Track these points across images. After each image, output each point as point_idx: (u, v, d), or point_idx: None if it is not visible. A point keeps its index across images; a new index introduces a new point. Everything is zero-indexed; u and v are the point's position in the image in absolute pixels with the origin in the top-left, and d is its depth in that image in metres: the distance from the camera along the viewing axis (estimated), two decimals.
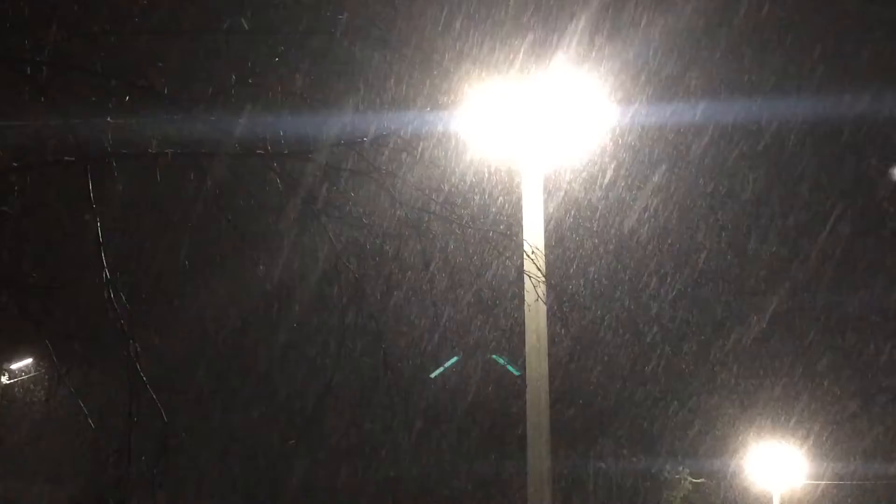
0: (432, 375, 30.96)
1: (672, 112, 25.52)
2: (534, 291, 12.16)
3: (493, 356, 29.03)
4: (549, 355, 13.53)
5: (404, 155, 9.13)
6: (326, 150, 8.84)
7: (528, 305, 12.99)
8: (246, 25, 9.01)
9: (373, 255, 9.21)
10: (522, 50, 13.25)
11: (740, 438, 37.54)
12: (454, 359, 30.23)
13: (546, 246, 13.42)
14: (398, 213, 9.06)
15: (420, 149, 9.43)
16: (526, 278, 12.01)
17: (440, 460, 33.70)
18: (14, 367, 31.53)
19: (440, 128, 10.15)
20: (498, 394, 31.16)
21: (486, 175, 12.98)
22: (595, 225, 26.58)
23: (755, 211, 33.02)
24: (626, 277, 30.74)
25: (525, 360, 13.50)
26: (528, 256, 11.56)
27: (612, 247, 28.65)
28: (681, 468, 37.36)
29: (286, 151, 8.60)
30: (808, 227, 33.78)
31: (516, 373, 13.30)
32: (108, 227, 8.28)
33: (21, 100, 8.41)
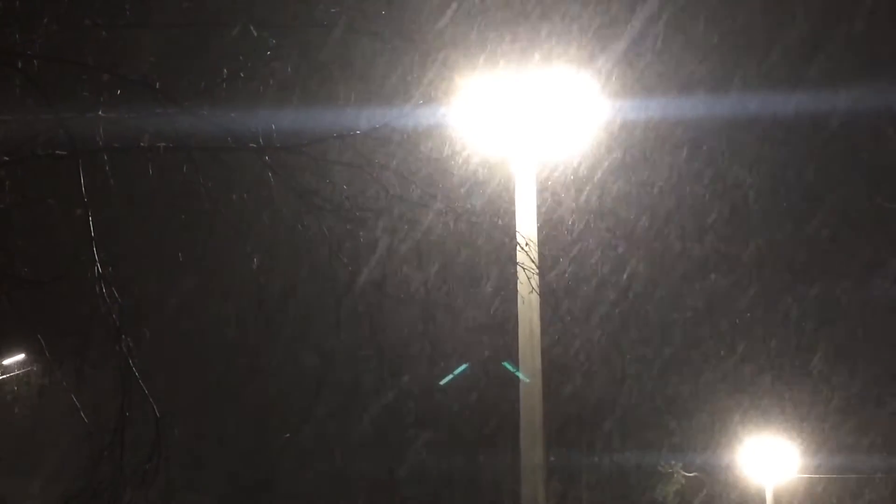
0: (442, 383, 30.94)
1: (667, 106, 25.52)
2: (528, 283, 12.16)
3: (504, 363, 29.04)
4: (543, 348, 13.53)
5: (398, 148, 9.12)
6: (320, 143, 8.82)
7: (522, 298, 12.99)
8: (239, 19, 8.99)
9: (367, 248, 9.19)
10: (517, 43, 13.23)
11: (733, 432, 37.57)
12: (463, 366, 30.22)
13: (539, 238, 13.42)
14: (392, 206, 9.04)
15: (414, 142, 9.42)
16: (520, 270, 12.00)
17: (433, 454, 33.70)
18: (6, 362, 31.44)
19: (434, 121, 10.14)
20: (491, 387, 31.17)
21: (480, 168, 12.96)
22: (590, 218, 26.57)
23: (752, 204, 33.05)
24: (621, 270, 30.76)
25: (518, 353, 13.50)
26: (522, 248, 11.55)
27: (607, 239, 28.66)
28: (674, 462, 37.39)
29: (279, 145, 8.58)
30: (806, 221, 33.83)
31: (526, 380, 13.25)
32: (101, 221, 8.25)
33: (12, 93, 8.38)
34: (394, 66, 9.95)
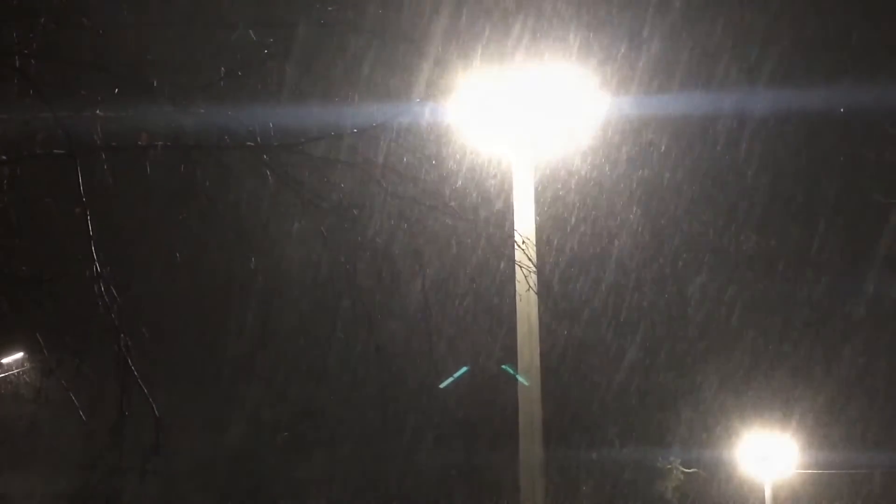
0: (442, 386, 30.94)
1: (666, 103, 25.53)
2: (525, 281, 12.17)
3: (504, 366, 29.08)
4: (541, 346, 13.54)
5: (396, 146, 9.11)
6: (317, 141, 8.82)
7: (520, 296, 12.99)
8: (236, 17, 8.98)
9: (364, 246, 9.18)
10: (515, 41, 13.23)
11: (732, 428, 37.60)
12: (464, 369, 30.22)
13: (538, 236, 13.42)
14: (390, 204, 9.03)
15: (412, 140, 9.41)
16: (517, 268, 12.00)
17: (431, 454, 33.69)
18: (5, 360, 31.42)
19: (432, 119, 10.13)
20: (490, 384, 31.17)
21: (478, 166, 12.97)
22: (588, 215, 26.58)
23: (750, 201, 33.07)
24: (620, 267, 30.79)
25: (517, 351, 13.51)
26: (520, 247, 11.55)
27: (604, 236, 28.68)
28: (672, 458, 37.39)
29: (277, 143, 8.58)
30: (802, 218, 33.86)
31: (526, 383, 13.30)
32: (99, 220, 8.24)
33: (10, 92, 8.37)
34: (391, 64, 9.95)
